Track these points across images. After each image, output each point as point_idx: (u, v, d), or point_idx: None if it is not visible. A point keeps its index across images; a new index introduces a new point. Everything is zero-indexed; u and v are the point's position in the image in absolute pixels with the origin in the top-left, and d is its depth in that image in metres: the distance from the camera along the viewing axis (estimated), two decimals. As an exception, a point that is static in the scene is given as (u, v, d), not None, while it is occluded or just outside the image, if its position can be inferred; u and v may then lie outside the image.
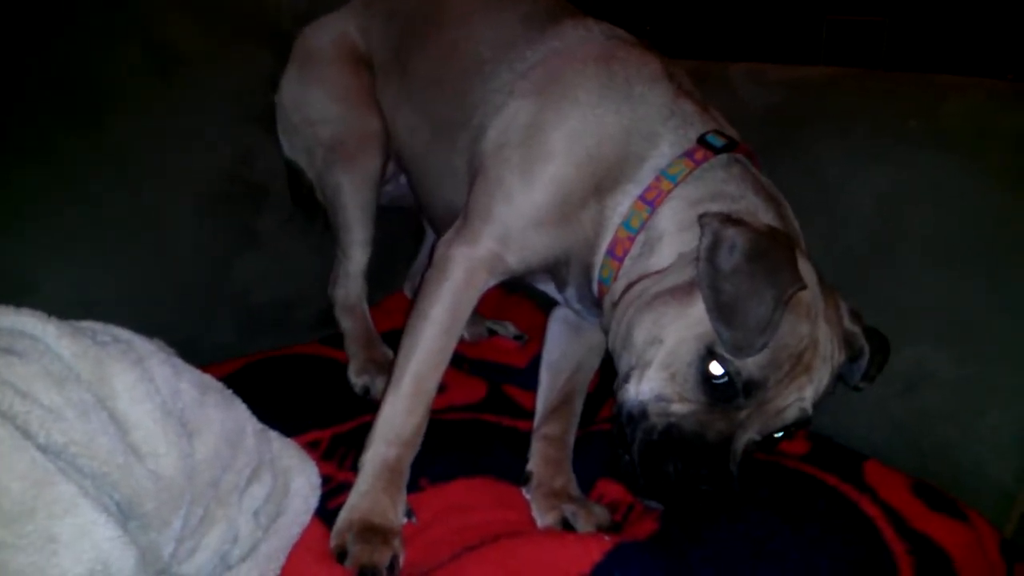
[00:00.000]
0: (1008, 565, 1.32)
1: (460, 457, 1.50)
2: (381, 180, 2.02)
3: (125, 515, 0.99)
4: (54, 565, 0.81)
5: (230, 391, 1.26)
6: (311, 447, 1.51)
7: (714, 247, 1.28)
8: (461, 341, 2.00)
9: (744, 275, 1.24)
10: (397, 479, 1.34)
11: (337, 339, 1.95)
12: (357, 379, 1.80)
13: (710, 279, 1.27)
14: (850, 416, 1.52)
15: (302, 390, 1.76)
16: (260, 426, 1.28)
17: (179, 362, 1.22)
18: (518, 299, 2.18)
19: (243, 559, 1.14)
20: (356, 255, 1.98)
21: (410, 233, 2.33)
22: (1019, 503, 1.36)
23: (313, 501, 1.29)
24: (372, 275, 2.03)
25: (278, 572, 1.14)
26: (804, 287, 1.25)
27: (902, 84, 1.67)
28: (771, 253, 1.26)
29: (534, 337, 1.99)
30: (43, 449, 0.89)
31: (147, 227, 1.75)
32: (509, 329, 2.08)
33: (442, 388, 1.77)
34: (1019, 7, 5.54)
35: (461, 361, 1.95)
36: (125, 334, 1.17)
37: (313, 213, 2.04)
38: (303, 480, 1.30)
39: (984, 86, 1.54)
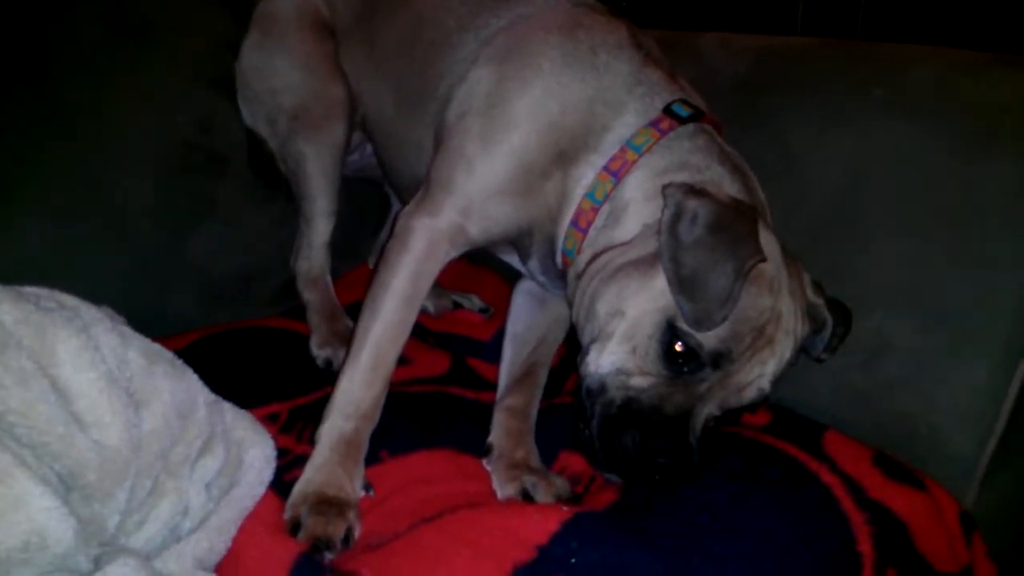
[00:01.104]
0: (966, 534, 1.34)
1: (421, 429, 1.49)
2: (346, 149, 1.98)
3: (67, 486, 0.96)
4: (-16, 536, 0.78)
5: (181, 361, 1.23)
6: (270, 420, 1.49)
7: (676, 218, 1.27)
8: (425, 314, 2.01)
9: (705, 247, 1.23)
10: (354, 452, 1.32)
11: (299, 311, 1.93)
12: (319, 351, 1.77)
13: (672, 251, 1.26)
14: (812, 387, 1.52)
15: (262, 362, 1.73)
16: (213, 397, 1.25)
17: (127, 330, 1.19)
18: (483, 271, 2.16)
19: (193, 531, 1.12)
20: (320, 226, 1.95)
21: (375, 204, 2.30)
22: (978, 473, 1.37)
23: (267, 474, 1.26)
24: (336, 247, 2.00)
25: (228, 544, 1.11)
26: (764, 259, 1.23)
27: (867, 53, 1.67)
28: (733, 225, 1.25)
29: (499, 310, 1.98)
30: (-24, 417, 0.86)
31: (99, 193, 1.71)
32: (474, 302, 2.06)
33: (406, 361, 1.77)
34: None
35: (425, 334, 1.93)
36: (71, 300, 1.13)
37: (274, 183, 2.00)
38: (257, 452, 1.27)
39: (948, 55, 1.53)
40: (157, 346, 1.21)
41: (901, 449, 1.40)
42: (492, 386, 1.67)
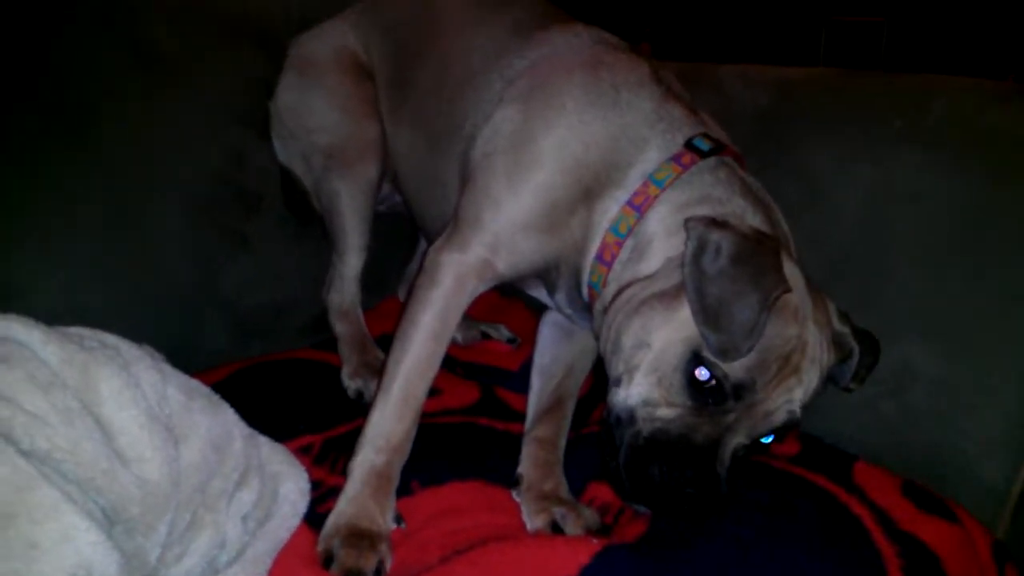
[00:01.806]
0: (999, 565, 1.32)
1: (452, 461, 1.51)
2: (379, 187, 2.03)
3: (111, 520, 1.00)
4: (35, 571, 0.82)
5: (218, 396, 1.26)
6: (303, 452, 1.52)
7: (699, 251, 1.29)
8: (454, 344, 2.04)
9: (729, 278, 1.24)
10: (386, 485, 1.35)
11: (331, 343, 1.96)
12: (351, 383, 1.80)
13: (696, 283, 1.27)
14: (841, 417, 1.52)
15: (295, 394, 1.76)
16: (248, 431, 1.28)
17: (166, 367, 1.22)
18: (512, 302, 2.18)
19: (230, 563, 1.15)
20: (352, 260, 1.99)
21: (405, 237, 2.34)
22: (1010, 502, 1.35)
23: (302, 506, 1.30)
24: (366, 279, 2.03)
25: (264, 576, 1.14)
26: (789, 290, 1.25)
27: (889, 84, 1.68)
28: (756, 256, 1.26)
29: (527, 340, 2.00)
30: (26, 455, 0.90)
31: (134, 232, 1.76)
32: (502, 332, 2.09)
33: (436, 392, 1.78)
34: (1018, 7, 5.54)
35: (454, 364, 1.95)
36: (112, 339, 1.17)
37: (307, 218, 2.04)
38: (292, 485, 1.31)
39: (969, 85, 1.54)
40: (195, 382, 1.25)
41: (931, 478, 1.39)
42: (521, 416, 1.68)
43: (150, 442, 1.05)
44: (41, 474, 0.88)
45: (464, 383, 1.86)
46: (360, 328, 1.97)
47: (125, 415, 1.06)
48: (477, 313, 2.11)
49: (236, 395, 1.70)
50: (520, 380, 1.81)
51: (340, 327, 1.96)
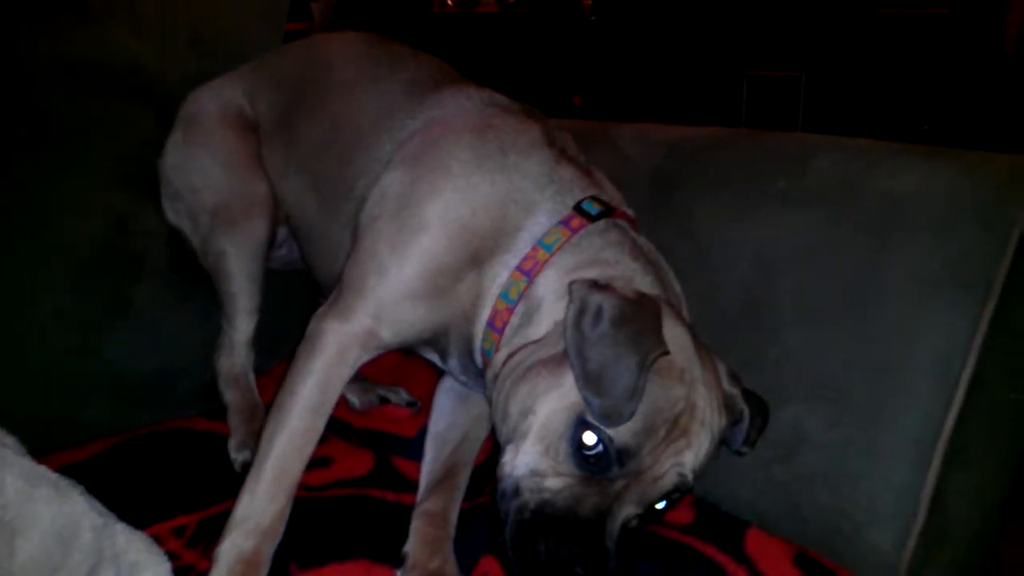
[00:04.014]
0: (891, 634, 1.31)
1: (336, 539, 1.44)
2: (269, 245, 1.96)
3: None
4: None
5: (68, 482, 1.18)
6: (176, 534, 1.44)
7: (580, 313, 1.26)
8: (350, 410, 1.98)
9: (610, 341, 1.22)
10: (253, 572, 1.27)
11: (222, 411, 1.87)
12: (237, 455, 1.72)
13: (577, 346, 1.25)
14: (735, 482, 1.50)
15: (177, 468, 1.68)
16: (102, 520, 1.19)
17: (9, 453, 1.14)
18: (414, 362, 2.13)
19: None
20: (241, 325, 1.92)
21: (303, 296, 2.27)
22: (902, 569, 1.34)
23: (162, 599, 1.21)
24: (261, 341, 1.97)
25: None
26: (666, 352, 1.23)
27: (772, 143, 1.70)
28: (635, 319, 1.24)
29: (427, 403, 1.93)
30: None
31: (10, 298, 1.69)
32: (402, 396, 2.02)
33: (327, 461, 1.74)
34: (929, 63, 5.83)
35: (349, 432, 1.89)
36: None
37: (196, 280, 1.97)
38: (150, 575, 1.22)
39: (851, 145, 1.56)
40: (42, 468, 1.17)
41: (824, 545, 1.38)
42: (414, 486, 1.62)
43: (-29, 541, 0.96)
44: None
45: (358, 451, 1.80)
46: (251, 395, 1.89)
47: (-55, 511, 0.97)
48: (376, 375, 2.06)
49: (114, 470, 1.66)
50: (417, 447, 1.74)
51: (229, 395, 1.88)
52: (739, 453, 1.43)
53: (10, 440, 1.21)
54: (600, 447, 1.23)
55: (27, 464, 1.14)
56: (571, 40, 7.05)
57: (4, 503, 1.06)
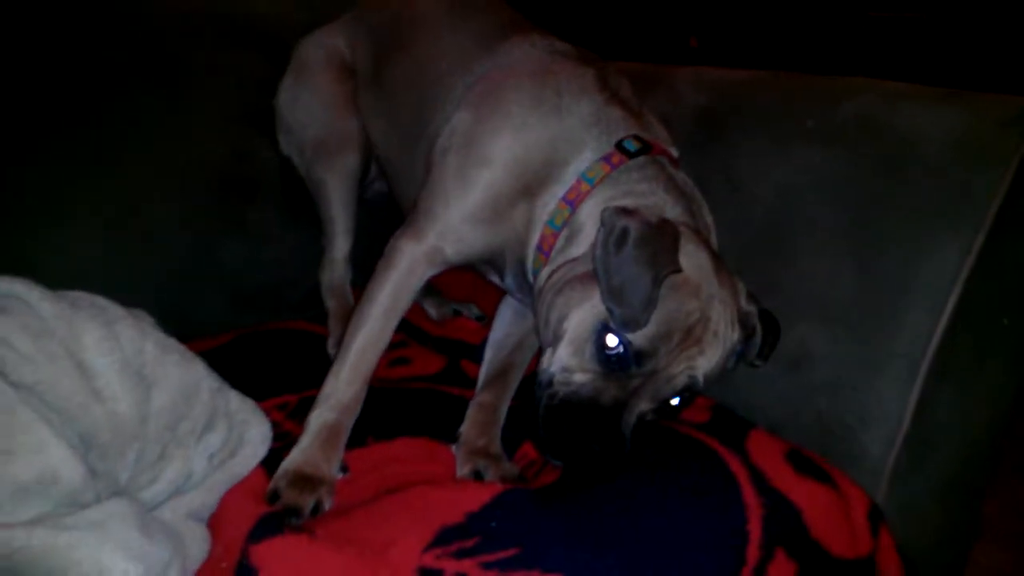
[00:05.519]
0: (873, 526, 1.47)
1: (407, 420, 1.69)
2: (363, 177, 2.25)
3: (86, 444, 1.23)
4: (9, 472, 1.05)
5: (192, 353, 1.48)
6: (279, 408, 1.72)
7: (608, 235, 1.46)
8: (428, 320, 2.25)
9: (630, 260, 1.42)
10: (334, 438, 1.53)
11: (323, 317, 2.18)
12: (333, 350, 2.01)
13: (604, 264, 1.45)
14: (747, 391, 1.67)
15: (283, 359, 1.98)
16: (218, 384, 1.49)
17: (148, 327, 1.45)
18: (484, 283, 2.37)
19: (192, 489, 1.38)
20: (339, 243, 2.22)
21: (396, 224, 2.54)
22: (886, 471, 1.49)
23: (262, 450, 1.49)
24: (358, 260, 2.23)
25: (216, 501, 1.36)
26: (679, 271, 1.42)
27: (811, 85, 1.81)
28: (654, 240, 1.43)
29: (494, 317, 2.18)
30: (14, 385, 1.13)
31: (138, 212, 1.99)
32: (472, 310, 2.28)
33: (407, 361, 2.01)
34: None
35: (427, 339, 2.16)
36: (103, 302, 1.40)
37: (302, 205, 2.27)
38: (255, 432, 1.51)
39: (879, 87, 1.66)
40: (172, 340, 1.47)
41: (822, 448, 1.54)
42: (476, 384, 1.87)
43: (121, 385, 1.28)
44: (23, 399, 1.11)
45: (433, 355, 2.07)
46: (348, 304, 2.18)
47: (103, 361, 1.29)
48: (452, 292, 2.32)
49: (232, 357, 1.93)
50: (482, 352, 2.00)
51: (330, 302, 2.19)
52: (753, 365, 1.61)
53: (147, 318, 1.53)
54: (620, 348, 1.45)
55: (161, 335, 1.45)
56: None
57: (144, 362, 1.38)
